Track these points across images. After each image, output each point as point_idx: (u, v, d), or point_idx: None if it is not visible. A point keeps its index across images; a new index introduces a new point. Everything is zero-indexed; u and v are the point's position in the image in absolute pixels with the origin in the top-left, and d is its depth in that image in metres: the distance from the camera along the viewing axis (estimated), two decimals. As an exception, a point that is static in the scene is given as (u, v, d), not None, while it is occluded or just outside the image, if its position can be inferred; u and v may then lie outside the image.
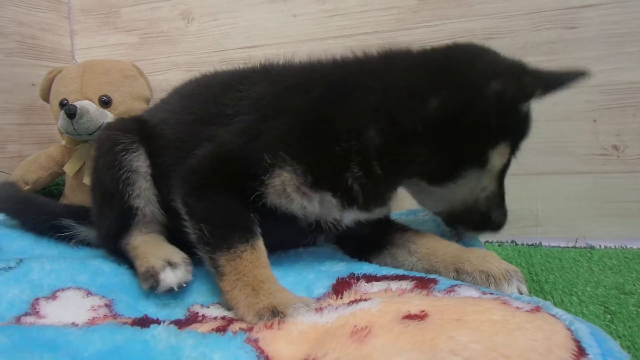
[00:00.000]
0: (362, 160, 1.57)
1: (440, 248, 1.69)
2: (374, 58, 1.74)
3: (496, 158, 1.60)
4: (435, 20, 2.80)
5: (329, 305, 1.32)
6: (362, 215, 1.71)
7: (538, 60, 2.54)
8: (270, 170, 1.56)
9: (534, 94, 1.53)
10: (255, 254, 1.52)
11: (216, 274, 1.52)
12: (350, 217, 1.69)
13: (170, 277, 1.57)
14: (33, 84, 3.27)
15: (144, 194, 1.80)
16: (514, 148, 1.67)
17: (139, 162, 1.80)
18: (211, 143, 1.68)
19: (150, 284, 1.57)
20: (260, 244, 1.55)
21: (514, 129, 1.62)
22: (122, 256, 1.79)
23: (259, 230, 1.58)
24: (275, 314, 1.30)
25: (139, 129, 1.88)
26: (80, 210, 2.13)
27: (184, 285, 1.59)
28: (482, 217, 1.73)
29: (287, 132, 1.60)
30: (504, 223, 1.76)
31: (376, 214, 1.75)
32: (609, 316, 1.59)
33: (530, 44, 2.63)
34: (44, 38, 3.47)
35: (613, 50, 2.52)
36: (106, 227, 1.84)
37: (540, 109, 2.10)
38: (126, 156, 1.78)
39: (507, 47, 2.55)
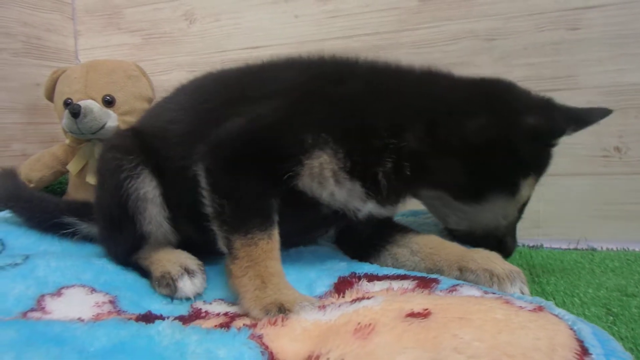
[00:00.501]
0: (396, 159, 1.60)
1: (443, 248, 1.70)
2: (416, 70, 1.79)
3: (526, 189, 1.71)
4: (437, 21, 2.80)
5: (331, 303, 1.33)
6: (377, 210, 1.71)
7: (541, 61, 2.56)
8: (311, 150, 1.56)
9: (567, 130, 1.66)
10: (271, 244, 1.52)
11: (228, 255, 1.52)
12: (367, 209, 1.70)
13: (188, 287, 1.58)
14: (37, 84, 3.29)
15: (155, 219, 1.77)
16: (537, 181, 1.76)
17: (146, 187, 1.76)
18: (243, 117, 1.65)
19: (167, 292, 1.59)
20: (276, 233, 1.55)
21: (544, 162, 1.74)
22: (131, 267, 1.78)
23: (277, 218, 1.57)
24: (282, 310, 1.30)
25: (140, 146, 1.83)
26: (82, 207, 2.13)
27: (201, 293, 1.61)
28: (497, 243, 1.79)
29: (329, 116, 1.61)
30: (514, 251, 1.87)
31: (388, 211, 1.78)
32: (611, 318, 1.58)
33: (532, 45, 2.62)
34: (49, 38, 3.49)
35: (616, 51, 2.52)
36: (115, 248, 1.83)
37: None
38: (131, 183, 1.73)
39: (510, 48, 2.57)
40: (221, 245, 1.57)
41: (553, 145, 1.73)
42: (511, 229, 1.85)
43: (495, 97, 1.68)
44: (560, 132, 1.66)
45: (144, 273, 1.74)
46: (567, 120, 1.66)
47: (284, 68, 1.86)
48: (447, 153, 1.62)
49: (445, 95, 1.67)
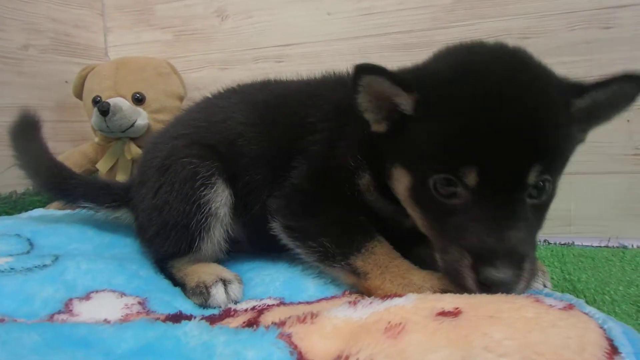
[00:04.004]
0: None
1: None
2: None
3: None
4: (471, 19, 2.81)
5: (362, 299, 1.33)
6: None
7: (574, 60, 2.55)
8: (356, 172, 1.60)
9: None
10: (385, 246, 1.52)
11: (358, 279, 1.51)
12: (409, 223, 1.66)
13: (221, 295, 1.58)
14: (66, 81, 3.31)
15: (216, 239, 1.76)
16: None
17: (218, 201, 1.75)
18: (303, 161, 1.70)
19: (200, 300, 1.59)
20: (383, 239, 1.55)
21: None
22: (164, 274, 1.79)
23: (374, 228, 1.58)
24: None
25: (212, 153, 1.82)
26: (99, 192, 2.11)
27: (238, 301, 1.60)
28: None
29: (358, 139, 1.62)
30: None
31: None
32: (642, 316, 1.59)
33: (565, 44, 2.62)
34: (78, 35, 3.52)
35: (649, 50, 2.50)
36: (157, 249, 1.82)
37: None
38: (205, 192, 1.72)
39: (543, 46, 2.56)
40: (344, 278, 1.56)
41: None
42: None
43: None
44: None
45: (176, 283, 1.73)
46: None
47: (327, 88, 1.87)
48: None
49: None
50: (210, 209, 1.72)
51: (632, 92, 1.38)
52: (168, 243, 1.76)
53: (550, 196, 1.41)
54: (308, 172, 1.67)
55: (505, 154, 1.28)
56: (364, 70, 1.38)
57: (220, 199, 1.74)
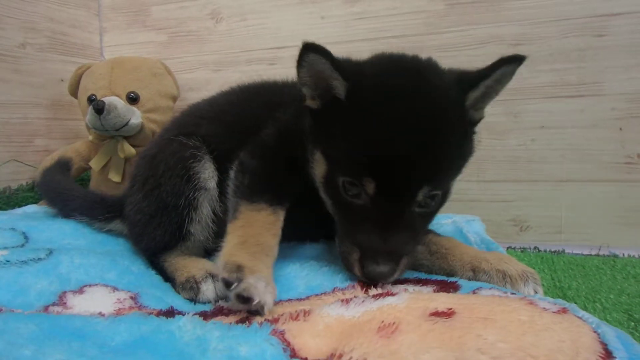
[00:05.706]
0: None
1: (458, 249, 1.71)
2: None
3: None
4: (463, 25, 2.81)
5: (354, 297, 1.32)
6: None
7: (566, 67, 2.56)
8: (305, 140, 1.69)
9: None
10: (272, 217, 1.60)
11: (232, 218, 1.63)
12: None
13: (210, 290, 1.58)
14: (62, 80, 3.31)
15: (204, 220, 1.78)
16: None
17: (207, 174, 1.80)
18: (273, 124, 1.81)
19: (190, 295, 1.58)
20: (281, 213, 1.63)
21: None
22: (156, 269, 1.78)
23: (287, 204, 1.66)
24: (240, 270, 1.36)
25: (198, 136, 1.89)
26: (94, 206, 2.16)
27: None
28: None
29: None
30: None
31: None
32: (633, 323, 1.59)
33: (558, 51, 2.62)
34: (74, 34, 3.52)
35: (642, 58, 2.51)
36: (148, 242, 1.82)
37: (567, 116, 2.06)
38: (194, 164, 1.77)
39: (535, 53, 2.56)
40: (230, 214, 1.64)
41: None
42: None
43: None
44: None
45: (167, 278, 1.72)
46: None
47: (282, 86, 2.04)
48: None
49: None
50: (199, 180, 1.77)
51: (513, 70, 1.50)
52: (159, 232, 1.78)
53: (441, 202, 1.61)
54: (273, 131, 1.76)
55: (397, 176, 1.46)
56: (311, 48, 1.53)
57: (208, 172, 1.80)
